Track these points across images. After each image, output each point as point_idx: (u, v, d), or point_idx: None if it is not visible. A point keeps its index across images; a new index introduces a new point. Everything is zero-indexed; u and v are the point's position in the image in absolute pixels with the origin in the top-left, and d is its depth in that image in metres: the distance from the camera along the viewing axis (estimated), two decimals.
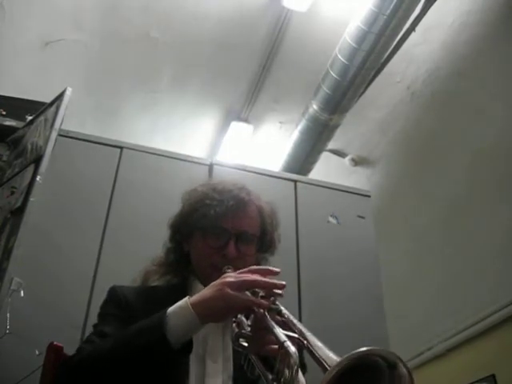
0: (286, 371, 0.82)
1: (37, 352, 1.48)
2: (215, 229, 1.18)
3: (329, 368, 0.74)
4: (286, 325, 0.92)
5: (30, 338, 1.57)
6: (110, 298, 1.19)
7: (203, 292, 0.96)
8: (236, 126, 3.70)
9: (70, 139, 2.11)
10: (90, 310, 1.72)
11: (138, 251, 1.55)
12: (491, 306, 3.46)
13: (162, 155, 2.22)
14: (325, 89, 2.90)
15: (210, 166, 2.23)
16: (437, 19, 2.77)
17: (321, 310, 2.00)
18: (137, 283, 1.25)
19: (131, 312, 1.11)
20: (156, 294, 1.19)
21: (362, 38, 2.54)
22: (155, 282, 1.25)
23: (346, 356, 0.73)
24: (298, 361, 0.81)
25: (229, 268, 1.10)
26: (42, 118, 1.93)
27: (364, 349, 0.74)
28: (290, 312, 0.96)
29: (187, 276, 1.24)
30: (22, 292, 1.54)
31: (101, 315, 1.17)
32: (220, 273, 1.06)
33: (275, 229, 1.27)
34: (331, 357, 0.77)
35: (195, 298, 0.95)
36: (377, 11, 2.41)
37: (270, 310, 0.94)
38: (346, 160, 3.72)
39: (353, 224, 2.33)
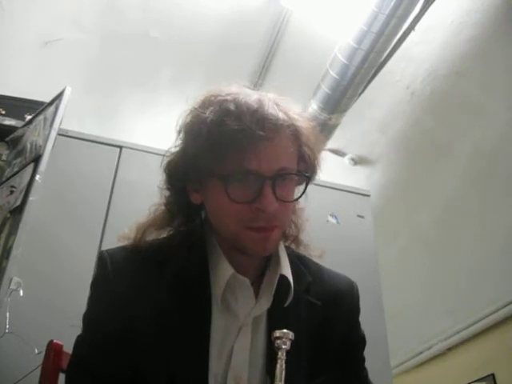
0: None
1: (36, 351, 1.48)
2: (241, 174, 0.82)
3: None
4: None
5: (30, 337, 1.56)
6: (102, 291, 0.91)
7: None
8: None
9: (70, 138, 2.11)
10: None
11: None
12: (491, 305, 3.46)
13: (162, 155, 2.21)
14: (324, 88, 2.89)
15: None
16: (436, 19, 2.76)
17: None
18: (130, 241, 0.99)
19: (131, 319, 0.86)
20: (162, 281, 0.88)
21: (361, 37, 2.54)
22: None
23: None
24: None
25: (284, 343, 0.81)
26: (41, 117, 1.93)
27: None
28: None
29: (203, 238, 0.93)
30: (21, 291, 1.54)
31: (88, 331, 0.90)
32: (259, 233, 0.84)
33: (316, 151, 0.93)
34: None
35: None
36: (376, 10, 2.41)
37: None
38: (346, 159, 3.71)
39: (352, 223, 2.33)
